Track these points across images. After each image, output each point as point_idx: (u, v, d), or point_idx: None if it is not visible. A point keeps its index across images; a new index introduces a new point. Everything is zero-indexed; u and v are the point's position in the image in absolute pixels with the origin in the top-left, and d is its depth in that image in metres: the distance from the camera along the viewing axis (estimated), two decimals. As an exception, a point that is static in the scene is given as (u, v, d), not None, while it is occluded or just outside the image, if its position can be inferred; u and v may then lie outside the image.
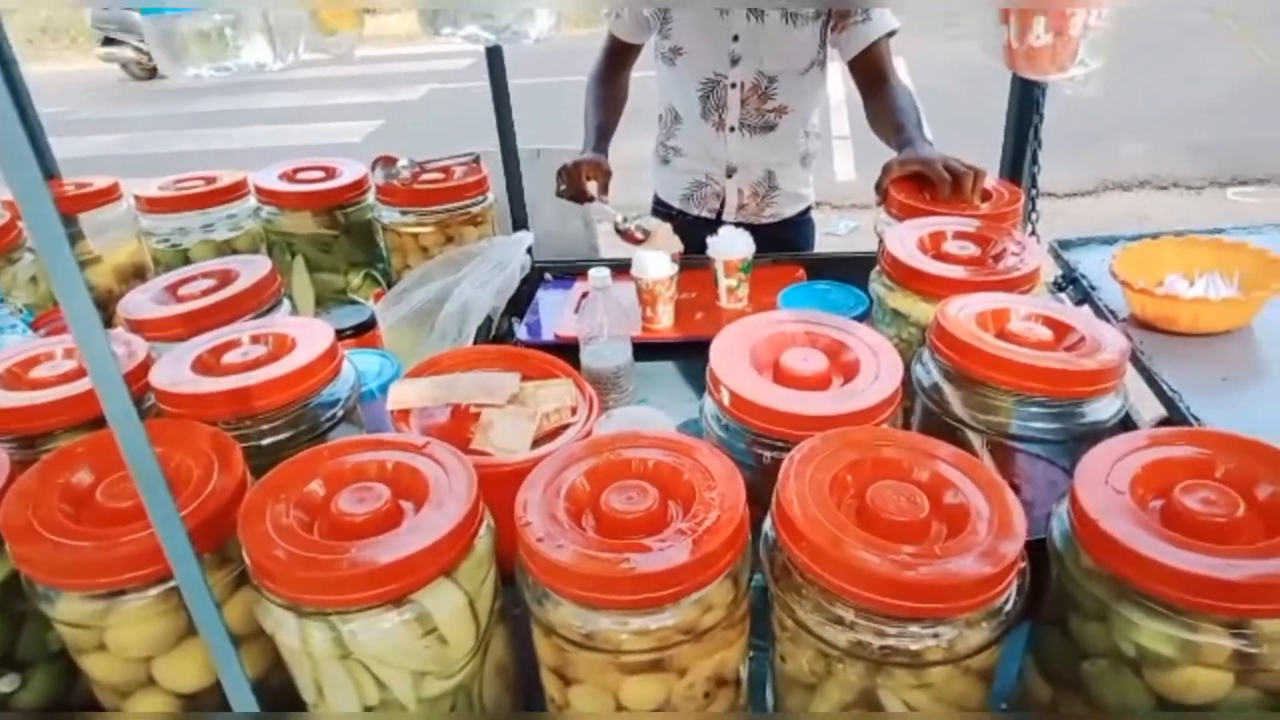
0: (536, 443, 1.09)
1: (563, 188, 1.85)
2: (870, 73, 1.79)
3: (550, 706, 0.88)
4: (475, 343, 1.46)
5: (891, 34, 1.78)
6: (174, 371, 1.09)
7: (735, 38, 1.81)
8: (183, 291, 1.34)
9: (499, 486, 0.88)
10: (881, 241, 1.31)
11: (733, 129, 1.91)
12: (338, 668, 0.80)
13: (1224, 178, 5.24)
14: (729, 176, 1.98)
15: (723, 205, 2.02)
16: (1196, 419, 1.15)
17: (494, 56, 1.76)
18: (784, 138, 1.93)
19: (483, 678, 0.87)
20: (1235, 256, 1.43)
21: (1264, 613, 0.71)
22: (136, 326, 1.27)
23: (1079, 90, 1.15)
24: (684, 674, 0.81)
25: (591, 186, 1.81)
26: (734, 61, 1.84)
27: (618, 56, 2.01)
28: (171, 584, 0.83)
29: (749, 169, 1.97)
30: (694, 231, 1.80)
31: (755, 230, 1.75)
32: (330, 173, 1.82)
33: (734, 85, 1.86)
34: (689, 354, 1.56)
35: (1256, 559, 0.71)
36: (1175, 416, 1.19)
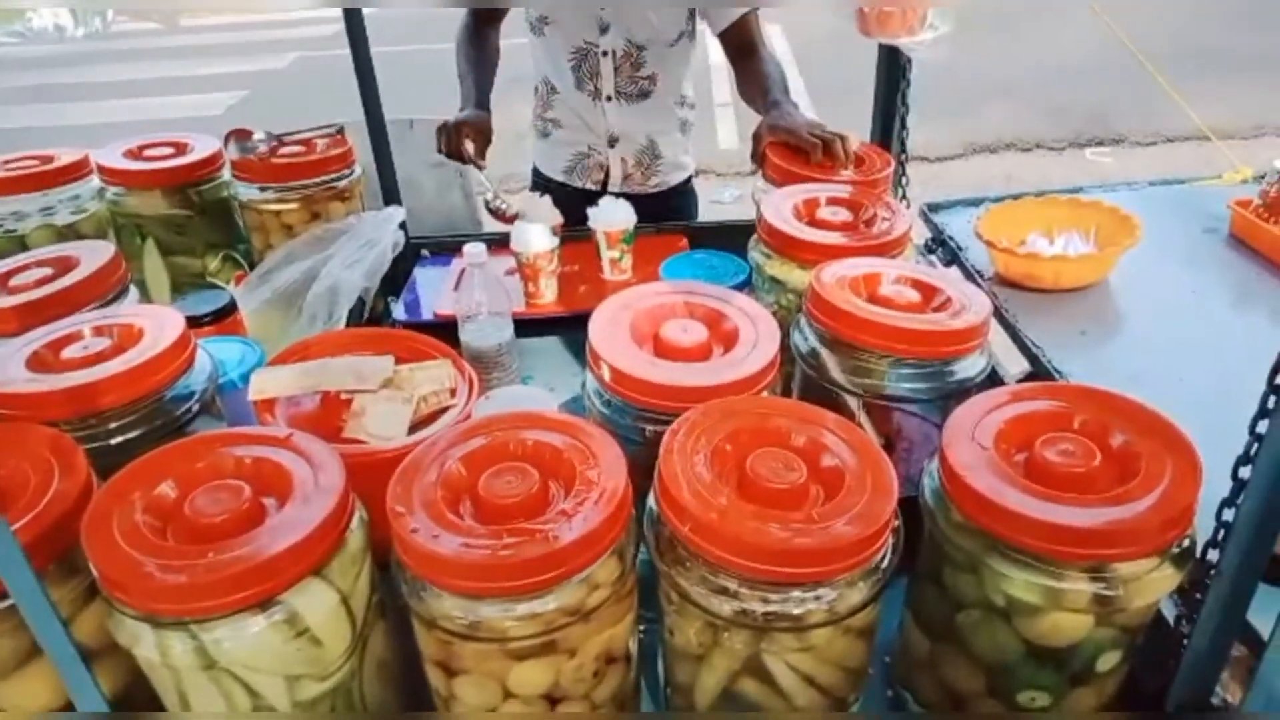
0: (414, 428, 1.05)
1: (441, 147, 1.76)
2: (740, 43, 1.81)
3: (435, 700, 0.85)
4: (348, 325, 1.39)
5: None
6: (5, 370, 1.00)
7: (602, 5, 1.77)
8: (15, 282, 1.23)
9: (373, 476, 0.84)
10: (758, 209, 1.31)
11: (609, 98, 1.88)
12: (202, 678, 0.75)
13: (1082, 138, 5.53)
14: (611, 146, 1.95)
15: (607, 176, 1.99)
16: (1059, 372, 1.21)
17: (353, 20, 1.67)
18: (659, 105, 1.92)
19: (363, 676, 0.83)
20: (1091, 214, 1.50)
21: (1119, 556, 0.75)
22: (-38, 322, 1.16)
23: (929, 54, 1.17)
24: (573, 655, 0.80)
25: (469, 148, 1.74)
26: (603, 30, 1.80)
27: (481, 17, 1.92)
28: (9, 602, 0.76)
29: (630, 138, 1.94)
30: (577, 204, 1.77)
31: (640, 200, 1.74)
32: (180, 148, 1.70)
33: (605, 53, 1.83)
34: (574, 328, 1.54)
35: (1111, 505, 0.75)
36: (1039, 370, 1.25)
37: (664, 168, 2.00)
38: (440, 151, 1.77)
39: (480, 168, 1.76)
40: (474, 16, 1.92)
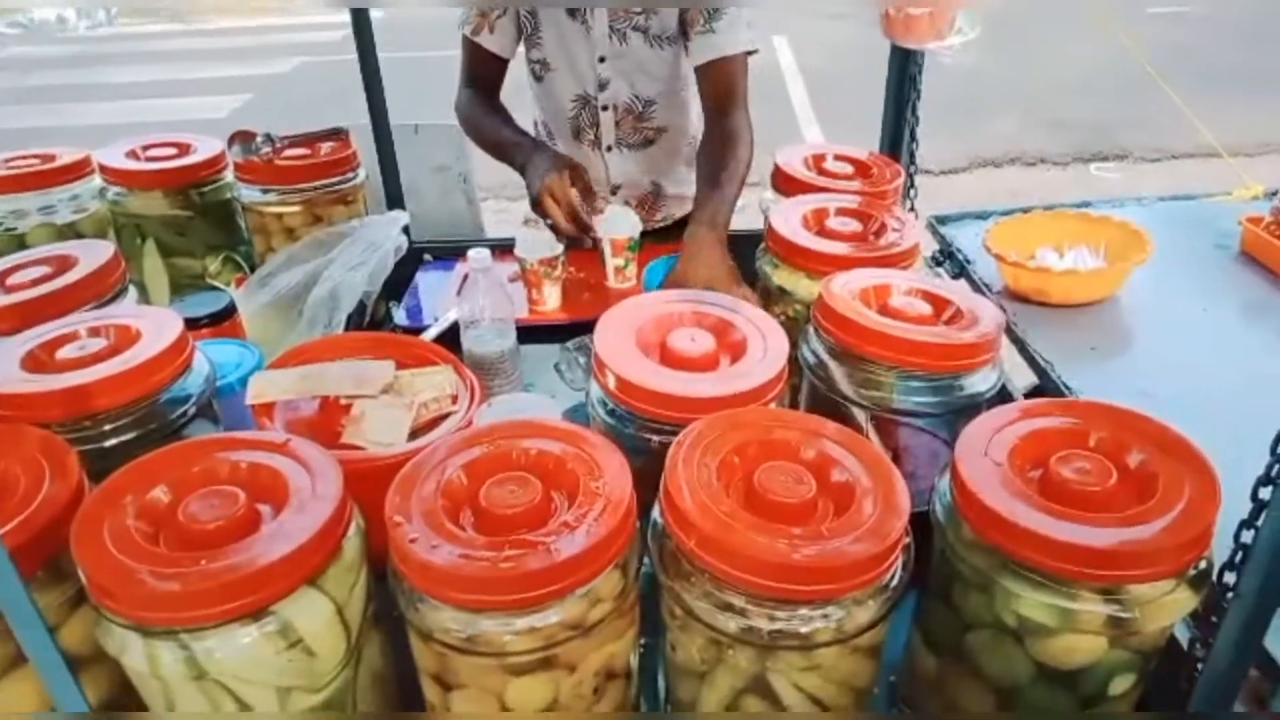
0: (414, 434, 1.03)
1: (558, 219, 1.58)
2: (713, 92, 1.65)
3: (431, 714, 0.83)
4: (348, 329, 1.38)
5: (751, 53, 1.63)
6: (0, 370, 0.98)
7: (601, 59, 1.70)
8: (12, 280, 1.22)
9: (372, 482, 0.82)
10: (766, 219, 1.30)
11: (609, 148, 1.82)
12: (192, 689, 0.74)
13: (1087, 154, 5.53)
14: (613, 194, 1.88)
15: None
16: (1067, 388, 1.19)
17: (361, 25, 1.66)
18: (665, 150, 1.85)
19: (356, 689, 0.81)
20: (1101, 229, 1.49)
21: (1135, 578, 0.73)
22: (-44, 320, 1.14)
23: (957, 59, 1.16)
24: (573, 670, 0.78)
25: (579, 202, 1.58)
26: (602, 85, 1.73)
27: (486, 76, 1.78)
28: (-5, 608, 0.74)
29: (633, 185, 1.88)
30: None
31: (647, 236, 1.70)
32: (183, 149, 1.68)
33: (605, 108, 1.76)
34: (577, 336, 1.52)
35: (1127, 526, 0.73)
36: (1047, 385, 1.23)
37: (669, 203, 1.94)
38: (562, 229, 1.60)
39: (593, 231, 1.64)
40: (474, 88, 1.80)
